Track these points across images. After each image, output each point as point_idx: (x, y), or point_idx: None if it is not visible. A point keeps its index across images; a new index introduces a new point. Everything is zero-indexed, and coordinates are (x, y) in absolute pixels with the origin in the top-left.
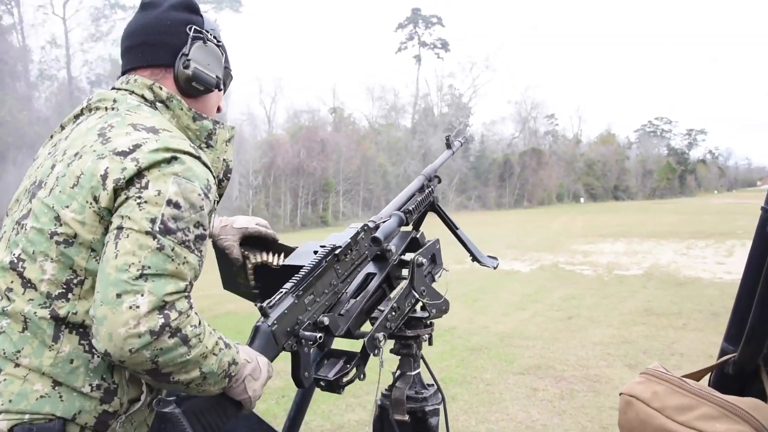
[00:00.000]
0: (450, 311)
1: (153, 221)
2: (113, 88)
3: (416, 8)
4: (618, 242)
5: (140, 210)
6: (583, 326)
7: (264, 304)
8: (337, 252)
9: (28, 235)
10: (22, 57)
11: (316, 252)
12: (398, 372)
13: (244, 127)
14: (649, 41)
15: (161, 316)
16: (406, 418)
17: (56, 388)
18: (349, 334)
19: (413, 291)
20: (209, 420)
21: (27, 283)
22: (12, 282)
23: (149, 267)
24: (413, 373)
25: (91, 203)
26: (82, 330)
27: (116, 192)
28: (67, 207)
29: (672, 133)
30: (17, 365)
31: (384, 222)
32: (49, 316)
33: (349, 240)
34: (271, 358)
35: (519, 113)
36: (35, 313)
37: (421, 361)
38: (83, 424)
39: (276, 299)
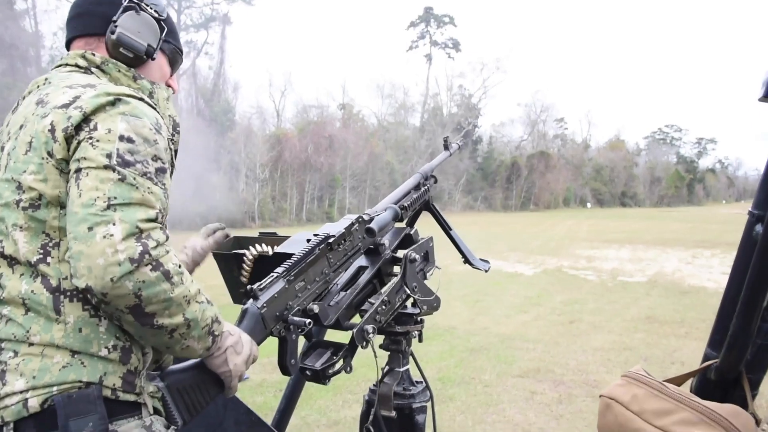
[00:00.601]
0: (451, 311)
1: (109, 156)
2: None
3: (429, 7)
4: (623, 248)
5: (94, 149)
6: (584, 331)
7: (254, 286)
8: (330, 241)
9: (1, 216)
10: (34, 42)
11: (309, 240)
12: (386, 368)
13: (253, 120)
14: (661, 48)
15: (138, 243)
16: (393, 414)
17: (75, 356)
18: (338, 325)
19: (405, 286)
20: (192, 398)
21: (11, 262)
22: (1, 268)
23: (115, 197)
24: (402, 369)
25: (47, 158)
26: (82, 296)
27: (68, 141)
28: (24, 171)
29: (682, 141)
30: (31, 344)
31: (378, 215)
32: (44, 289)
33: (343, 230)
34: (259, 341)
35: (528, 116)
36: (32, 291)
37: (410, 357)
38: (112, 386)
39: (267, 282)
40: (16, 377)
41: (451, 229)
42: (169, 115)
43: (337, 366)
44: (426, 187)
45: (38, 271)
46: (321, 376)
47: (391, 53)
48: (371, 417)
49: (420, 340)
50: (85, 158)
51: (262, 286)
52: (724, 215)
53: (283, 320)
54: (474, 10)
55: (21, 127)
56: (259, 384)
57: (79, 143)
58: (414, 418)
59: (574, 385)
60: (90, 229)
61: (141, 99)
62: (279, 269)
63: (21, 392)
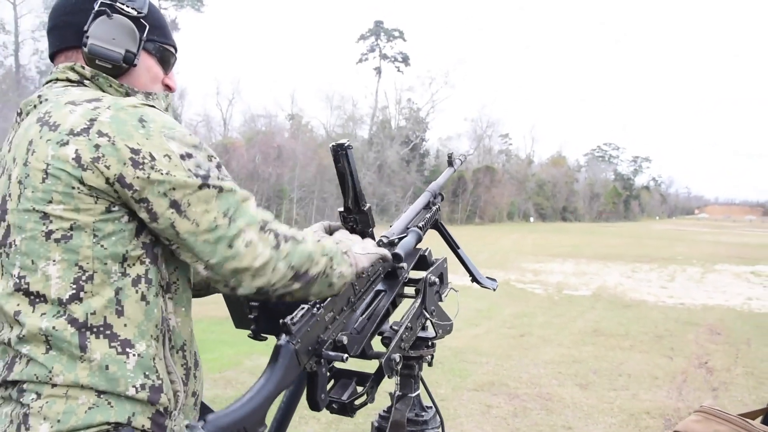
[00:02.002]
0: None
1: (192, 175)
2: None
3: (379, 21)
4: (567, 262)
5: (174, 177)
6: (534, 344)
7: (287, 321)
8: None
9: (21, 249)
10: None
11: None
12: (398, 393)
13: (200, 128)
14: (601, 68)
15: (269, 231)
16: None
17: (101, 396)
18: (363, 355)
19: (425, 311)
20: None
21: (35, 299)
22: (18, 305)
23: (228, 209)
24: (414, 394)
25: (77, 188)
26: (109, 332)
27: (106, 170)
28: (50, 202)
29: (619, 159)
30: (54, 385)
31: (401, 238)
32: (68, 325)
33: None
34: (291, 381)
35: (474, 131)
36: (53, 327)
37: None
38: (140, 428)
39: (298, 316)
40: (40, 421)
41: (458, 248)
42: (165, 109)
43: (363, 397)
44: (437, 206)
45: (67, 310)
46: (348, 409)
47: (341, 65)
48: None
49: (430, 365)
50: (174, 189)
51: (294, 320)
52: (658, 231)
53: (316, 355)
54: (424, 26)
55: (28, 151)
56: (211, 401)
57: (148, 177)
58: None
59: (528, 398)
60: (230, 246)
61: (153, 106)
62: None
63: None
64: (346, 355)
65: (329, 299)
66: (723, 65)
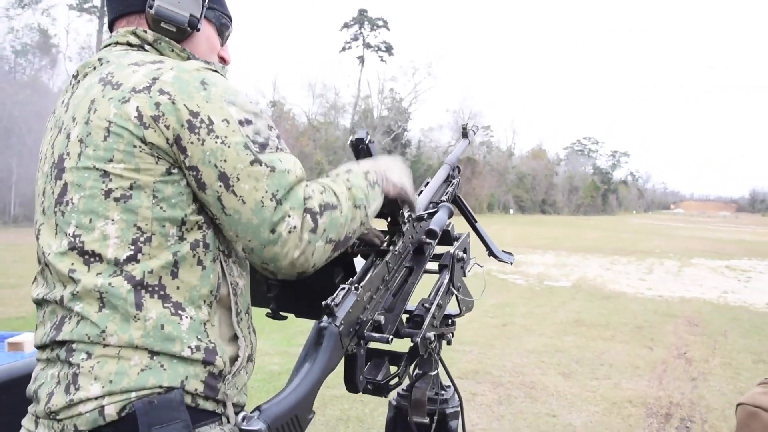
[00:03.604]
0: None
1: (247, 148)
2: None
3: (363, 9)
4: (547, 254)
5: (228, 147)
6: (517, 334)
7: (330, 302)
8: (387, 250)
9: (79, 207)
10: None
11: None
12: (417, 371)
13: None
14: (582, 62)
15: (308, 213)
16: (426, 420)
17: (154, 357)
18: (397, 334)
19: (452, 287)
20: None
21: (90, 258)
22: (73, 264)
23: (277, 190)
24: (433, 373)
25: (139, 146)
26: (163, 293)
27: (166, 129)
28: (111, 160)
29: (598, 153)
30: (106, 345)
31: (432, 213)
32: (125, 282)
33: (401, 228)
34: (336, 364)
35: (456, 122)
36: (110, 284)
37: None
38: (193, 391)
39: (340, 296)
40: (90, 381)
41: (476, 222)
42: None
43: (397, 378)
44: (457, 180)
45: (123, 269)
46: (383, 390)
47: (324, 53)
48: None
49: (449, 343)
50: (225, 160)
51: (337, 302)
52: (635, 225)
53: (358, 336)
54: (408, 16)
55: (90, 110)
56: None
57: (202, 144)
58: (447, 423)
59: (512, 386)
60: (273, 231)
61: (216, 71)
62: (346, 284)
63: (96, 398)
64: (390, 336)
65: (367, 279)
66: (701, 64)
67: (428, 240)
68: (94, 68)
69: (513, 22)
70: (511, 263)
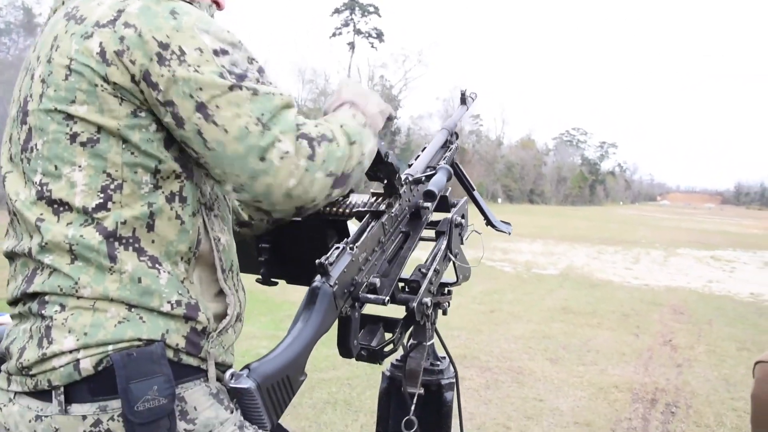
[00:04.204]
0: None
1: (222, 75)
2: None
3: None
4: (535, 243)
5: (202, 75)
6: (504, 320)
7: (323, 261)
8: (383, 212)
9: (43, 153)
10: None
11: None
12: (412, 341)
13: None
14: (572, 53)
15: (303, 138)
16: (421, 391)
17: (132, 310)
18: (393, 300)
19: (450, 253)
20: (280, 395)
21: (59, 207)
22: (42, 213)
23: (262, 114)
24: (428, 343)
25: (101, 86)
26: (138, 245)
27: (132, 65)
28: (74, 102)
29: (586, 143)
30: (80, 297)
31: (430, 176)
32: (96, 233)
33: (397, 190)
34: (329, 326)
35: (446, 110)
36: (81, 235)
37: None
38: (174, 346)
39: (334, 256)
40: (64, 334)
41: (474, 189)
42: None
43: (392, 345)
44: (455, 145)
45: (94, 218)
46: (378, 356)
47: (314, 38)
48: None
49: (445, 313)
50: (200, 89)
51: (331, 260)
52: (621, 215)
53: (352, 298)
54: (399, 2)
55: (52, 47)
56: None
57: (174, 75)
58: (443, 395)
59: (500, 371)
60: (263, 159)
61: (190, 2)
62: (341, 243)
63: (71, 351)
64: (386, 298)
65: (362, 240)
66: (690, 57)
67: (426, 204)
68: (63, 2)
69: (504, 11)
70: (509, 233)
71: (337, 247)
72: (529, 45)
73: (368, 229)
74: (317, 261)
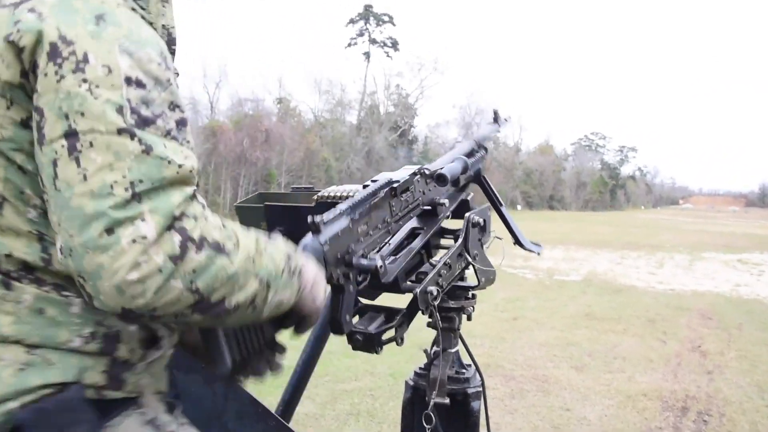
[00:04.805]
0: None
1: (120, 111)
2: None
3: (368, 5)
4: (556, 249)
5: (95, 98)
6: (528, 327)
7: (317, 218)
8: (394, 185)
9: None
10: None
11: (365, 187)
12: (436, 349)
13: (186, 111)
14: (589, 57)
15: (175, 231)
16: (446, 400)
17: (34, 351)
18: (396, 286)
19: (466, 252)
20: (246, 336)
21: None
22: None
23: (140, 180)
24: (453, 350)
25: None
26: (32, 275)
27: (20, 54)
28: None
29: (605, 148)
30: None
31: (447, 165)
32: None
33: (408, 176)
34: None
35: (463, 118)
36: None
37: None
38: (94, 384)
39: (331, 216)
40: None
41: (502, 205)
42: (163, 26)
43: (392, 333)
44: (481, 155)
45: None
46: (375, 342)
47: (330, 49)
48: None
49: (469, 318)
50: (82, 114)
51: (326, 220)
52: (643, 220)
53: (345, 264)
54: (414, 11)
55: None
56: None
57: (59, 81)
58: (469, 404)
59: (525, 380)
60: (110, 231)
61: (134, 10)
62: (342, 206)
63: None
64: (380, 263)
65: (364, 208)
66: (710, 58)
67: (442, 201)
68: None
69: (520, 16)
70: (539, 254)
71: (336, 209)
72: (546, 50)
73: (372, 199)
74: (309, 218)
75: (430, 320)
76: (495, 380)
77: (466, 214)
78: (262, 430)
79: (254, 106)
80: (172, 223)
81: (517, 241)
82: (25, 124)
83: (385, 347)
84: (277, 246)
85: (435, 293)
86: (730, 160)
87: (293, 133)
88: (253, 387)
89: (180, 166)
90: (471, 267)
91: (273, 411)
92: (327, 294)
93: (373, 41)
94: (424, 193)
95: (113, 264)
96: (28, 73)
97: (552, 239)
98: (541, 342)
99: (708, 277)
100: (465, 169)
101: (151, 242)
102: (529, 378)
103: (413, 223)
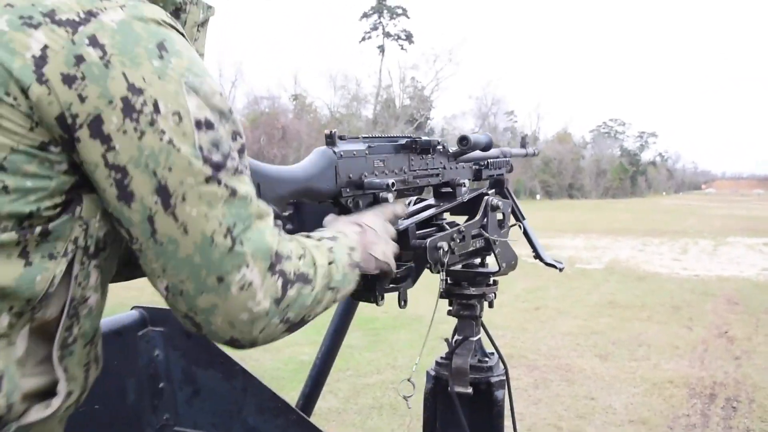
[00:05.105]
0: (417, 300)
1: (201, 158)
2: None
3: None
4: (577, 237)
5: (177, 151)
6: (550, 317)
7: (333, 132)
8: (416, 140)
9: None
10: None
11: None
12: (457, 337)
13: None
14: (606, 43)
15: (277, 275)
16: (469, 390)
17: None
18: (405, 239)
19: (483, 233)
20: None
21: None
22: None
23: (235, 225)
24: (475, 338)
25: (15, 98)
26: None
27: (77, 102)
28: None
29: (625, 134)
30: None
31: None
32: None
33: (430, 139)
34: (323, 192)
35: (479, 108)
36: None
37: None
38: None
39: (349, 138)
40: None
41: (524, 219)
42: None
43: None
44: (506, 160)
45: None
46: (375, 288)
47: (344, 44)
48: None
49: (491, 306)
50: (170, 169)
51: (342, 135)
52: (665, 206)
53: (356, 186)
54: (427, 2)
55: None
56: None
57: (141, 134)
58: (493, 394)
59: (548, 369)
60: (220, 280)
61: (181, 33)
62: (362, 137)
63: None
64: (392, 180)
65: (383, 148)
66: (729, 40)
67: (462, 180)
68: None
69: (535, 4)
70: (560, 270)
71: (356, 137)
72: (562, 37)
73: (392, 140)
74: (327, 130)
75: (450, 308)
76: (518, 371)
77: (485, 197)
78: (282, 424)
79: (270, 103)
80: (273, 265)
81: (538, 256)
82: (43, 147)
83: (403, 340)
84: (342, 244)
85: (446, 248)
86: (754, 142)
87: (310, 129)
88: (272, 382)
89: (252, 199)
90: (492, 254)
91: (293, 405)
92: (387, 241)
93: (387, 35)
94: (444, 168)
95: (225, 305)
96: (82, 123)
97: (573, 228)
98: (564, 331)
99: (733, 262)
100: (489, 146)
101: (258, 287)
102: (553, 368)
103: (431, 201)
